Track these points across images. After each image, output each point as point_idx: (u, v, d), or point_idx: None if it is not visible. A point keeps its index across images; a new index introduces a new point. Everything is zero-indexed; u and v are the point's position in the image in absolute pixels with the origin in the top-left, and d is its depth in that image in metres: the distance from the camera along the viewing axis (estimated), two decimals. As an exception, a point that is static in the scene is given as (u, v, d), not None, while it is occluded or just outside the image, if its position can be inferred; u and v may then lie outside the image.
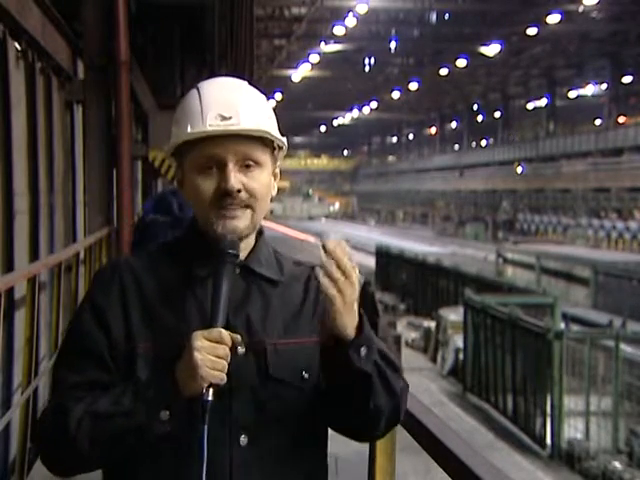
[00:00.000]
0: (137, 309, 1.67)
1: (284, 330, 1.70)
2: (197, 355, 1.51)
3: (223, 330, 1.55)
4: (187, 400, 1.55)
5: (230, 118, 1.65)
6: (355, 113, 69.56)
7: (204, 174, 1.66)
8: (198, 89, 1.72)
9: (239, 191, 1.65)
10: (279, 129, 1.74)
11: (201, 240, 1.71)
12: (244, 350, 1.64)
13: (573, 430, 11.76)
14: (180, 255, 1.73)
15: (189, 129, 1.66)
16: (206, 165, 1.66)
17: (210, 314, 1.59)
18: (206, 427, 1.54)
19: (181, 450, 1.61)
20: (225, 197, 1.65)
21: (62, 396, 1.62)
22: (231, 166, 1.65)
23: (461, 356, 15.73)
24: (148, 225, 6.05)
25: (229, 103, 1.67)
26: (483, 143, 67.13)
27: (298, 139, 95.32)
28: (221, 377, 1.53)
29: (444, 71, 47.06)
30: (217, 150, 1.65)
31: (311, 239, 50.61)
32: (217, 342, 1.53)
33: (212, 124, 1.64)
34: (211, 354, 1.52)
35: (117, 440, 1.57)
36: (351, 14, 34.92)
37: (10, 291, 5.60)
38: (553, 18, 34.00)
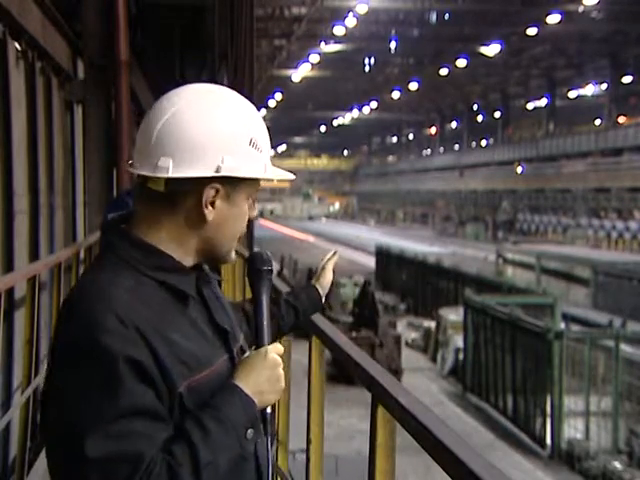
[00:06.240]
0: (159, 347, 1.49)
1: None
2: (280, 370, 1.60)
3: (278, 345, 1.64)
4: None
5: None
6: (355, 113, 69.58)
7: (248, 204, 1.65)
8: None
9: None
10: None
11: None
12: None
13: (573, 430, 11.76)
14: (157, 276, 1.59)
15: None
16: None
17: (255, 332, 1.67)
18: (269, 438, 1.61)
19: (241, 463, 1.56)
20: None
21: (149, 467, 1.41)
22: None
23: (461, 356, 15.73)
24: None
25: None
26: (483, 143, 67.15)
27: (298, 139, 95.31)
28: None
29: (444, 71, 47.11)
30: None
31: (311, 239, 50.67)
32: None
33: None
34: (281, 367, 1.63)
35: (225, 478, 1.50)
36: (351, 14, 34.95)
37: (10, 291, 5.60)
38: (553, 18, 34.04)
